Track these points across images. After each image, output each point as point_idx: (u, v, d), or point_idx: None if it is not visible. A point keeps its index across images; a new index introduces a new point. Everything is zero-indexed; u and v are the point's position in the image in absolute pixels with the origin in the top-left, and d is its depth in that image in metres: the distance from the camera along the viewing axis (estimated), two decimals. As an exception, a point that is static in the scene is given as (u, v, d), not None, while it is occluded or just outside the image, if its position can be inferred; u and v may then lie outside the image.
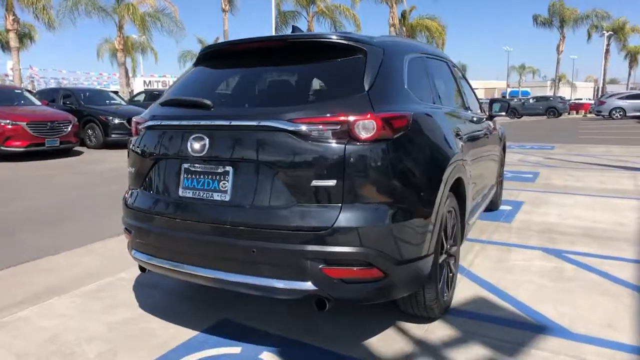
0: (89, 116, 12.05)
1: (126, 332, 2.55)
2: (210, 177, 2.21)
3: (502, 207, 5.28)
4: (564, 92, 58.03)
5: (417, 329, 2.52)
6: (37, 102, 11.36)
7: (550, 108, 32.96)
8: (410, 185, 2.16)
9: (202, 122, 2.22)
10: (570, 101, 41.30)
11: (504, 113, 4.51)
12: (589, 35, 42.25)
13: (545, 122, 26.50)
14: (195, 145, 2.19)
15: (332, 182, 1.98)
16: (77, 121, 10.96)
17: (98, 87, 23.63)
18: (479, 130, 3.71)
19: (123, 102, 14.27)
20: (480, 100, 4.51)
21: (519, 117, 32.69)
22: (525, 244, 3.98)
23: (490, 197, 4.46)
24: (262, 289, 2.13)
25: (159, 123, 2.41)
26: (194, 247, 2.26)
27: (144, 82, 35.68)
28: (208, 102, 2.25)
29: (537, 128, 21.39)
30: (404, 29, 30.56)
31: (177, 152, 2.29)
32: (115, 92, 16.11)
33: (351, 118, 1.99)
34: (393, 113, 2.11)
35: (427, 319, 2.58)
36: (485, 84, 73.18)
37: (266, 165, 2.07)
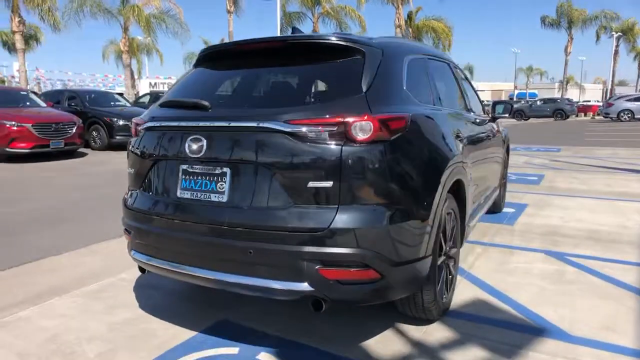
0: (94, 118, 12.13)
1: (126, 332, 2.57)
2: (207, 178, 2.22)
3: (505, 210, 5.25)
4: (572, 94, 57.68)
5: (415, 331, 2.52)
6: (43, 104, 11.45)
7: (558, 110, 32.74)
8: (408, 186, 2.16)
9: (200, 124, 2.24)
10: (578, 103, 41.05)
11: (507, 115, 4.51)
12: (598, 37, 41.89)
13: (552, 125, 26.34)
14: (193, 147, 2.21)
15: (328, 184, 1.99)
16: (82, 123, 11.04)
17: (103, 89, 23.73)
18: (481, 132, 3.70)
19: (128, 104, 14.34)
20: (488, 102, 4.50)
21: (526, 119, 32.54)
22: (528, 247, 3.96)
23: (493, 200, 4.44)
24: (259, 289, 2.14)
25: (157, 124, 2.43)
26: (192, 248, 2.27)
27: (150, 83, 35.95)
28: (206, 103, 2.27)
29: (544, 130, 21.27)
30: (410, 30, 30.52)
31: (175, 153, 2.31)
32: (120, 94, 16.23)
33: (348, 119, 2.00)
34: (390, 114, 2.11)
35: (426, 321, 2.58)
36: (492, 85, 72.92)
37: (263, 167, 2.08)
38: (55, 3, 20.93)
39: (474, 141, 3.34)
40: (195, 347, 2.40)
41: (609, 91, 46.15)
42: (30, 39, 29.24)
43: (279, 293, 2.10)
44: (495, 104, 4.44)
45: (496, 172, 4.43)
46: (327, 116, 2.02)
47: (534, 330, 2.53)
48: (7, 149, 9.56)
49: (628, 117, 26.90)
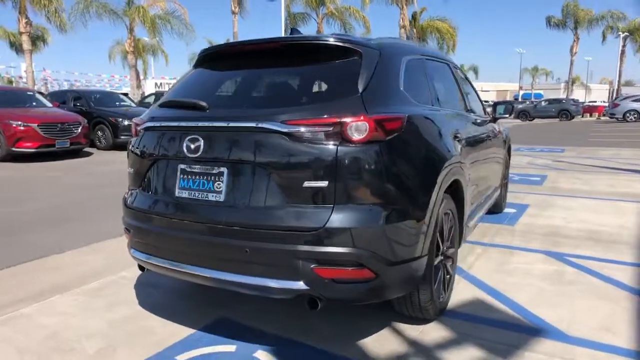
0: (99, 118, 12.22)
1: (126, 330, 2.60)
2: (205, 177, 2.24)
3: (506, 210, 5.25)
4: (579, 94, 57.32)
5: (412, 330, 2.53)
6: (48, 104, 11.54)
7: (563, 111, 32.59)
8: (403, 187, 2.17)
9: (197, 124, 2.26)
10: (584, 103, 40.78)
11: (507, 115, 4.51)
12: (604, 37, 41.60)
13: (557, 125, 26.22)
14: (191, 146, 2.23)
15: (324, 183, 2.01)
16: (87, 123, 11.12)
17: (108, 89, 23.82)
18: (480, 133, 3.70)
19: (133, 104, 14.43)
20: (493, 103, 4.50)
21: (531, 120, 32.41)
22: (528, 247, 3.96)
23: (494, 200, 4.44)
24: (256, 288, 2.16)
25: (156, 124, 2.46)
26: (190, 247, 2.30)
27: (155, 84, 36.12)
28: (203, 103, 2.29)
29: (548, 131, 21.17)
30: (415, 30, 30.47)
31: (173, 153, 2.34)
32: (125, 94, 16.31)
33: (343, 119, 2.01)
34: (386, 115, 2.12)
35: (422, 320, 2.59)
36: (497, 86, 72.63)
37: (259, 166, 2.10)
38: (61, 4, 21.11)
39: (473, 142, 3.35)
40: (193, 344, 2.42)
41: (615, 91, 45.86)
42: (38, 39, 29.44)
43: (276, 291, 2.12)
44: (496, 104, 4.44)
45: (497, 172, 4.43)
46: (323, 116, 2.03)
47: (531, 330, 2.53)
48: (14, 149, 9.66)
49: (634, 117, 26.74)
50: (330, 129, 2.01)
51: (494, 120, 4.44)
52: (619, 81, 45.97)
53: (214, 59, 2.77)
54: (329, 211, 2.00)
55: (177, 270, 2.36)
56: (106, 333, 2.55)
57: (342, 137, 2.01)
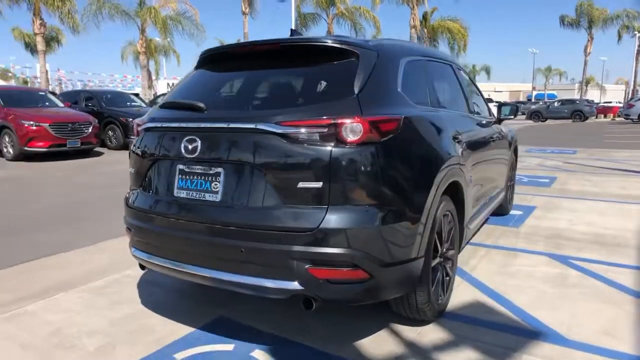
0: (110, 118, 12.39)
1: (127, 328, 2.63)
2: (202, 178, 2.27)
3: (512, 212, 5.20)
4: (593, 94, 56.50)
5: (410, 332, 2.53)
6: (60, 104, 11.74)
7: (576, 111, 32.12)
8: (398, 188, 2.17)
9: (195, 125, 2.29)
10: (599, 104, 40.16)
11: (512, 116, 4.47)
12: (620, 36, 40.96)
13: (570, 126, 25.88)
14: (189, 147, 2.26)
15: (318, 184, 2.02)
16: (98, 123, 11.28)
17: (119, 90, 24.06)
18: (483, 134, 3.69)
19: (144, 104, 14.59)
20: (498, 104, 4.47)
21: (543, 121, 32.02)
22: (532, 250, 3.92)
23: (498, 202, 4.41)
24: (252, 288, 2.18)
25: (155, 125, 2.49)
26: (188, 246, 2.32)
27: (167, 84, 36.47)
28: (201, 104, 2.32)
29: (561, 132, 20.91)
30: (425, 30, 30.31)
31: (172, 154, 2.37)
32: (136, 95, 16.49)
33: (338, 121, 2.02)
34: (381, 116, 2.13)
35: (420, 322, 2.58)
36: (510, 86, 71.93)
37: (255, 167, 2.12)
38: (74, 5, 21.35)
39: (475, 143, 3.33)
40: (192, 343, 2.45)
41: (631, 92, 45.13)
42: (52, 40, 29.85)
43: (271, 291, 2.13)
44: (500, 105, 4.41)
45: (501, 174, 4.39)
46: (318, 118, 2.05)
47: (530, 333, 2.51)
48: (26, 148, 9.84)
49: (650, 118, 26.27)
50: (325, 130, 2.02)
51: (499, 121, 4.41)
52: (634, 81, 45.20)
53: (214, 60, 2.79)
54: (324, 212, 2.01)
55: (177, 269, 2.38)
56: (107, 330, 2.59)
57: (336, 138, 2.02)
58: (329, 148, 2.01)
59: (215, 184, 2.22)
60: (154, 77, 34.61)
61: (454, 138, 2.79)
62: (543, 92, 62.75)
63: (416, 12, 29.16)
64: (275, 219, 2.05)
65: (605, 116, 37.33)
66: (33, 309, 2.87)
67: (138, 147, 2.58)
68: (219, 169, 2.21)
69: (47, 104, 11.45)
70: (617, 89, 68.75)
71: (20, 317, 2.76)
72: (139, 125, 2.62)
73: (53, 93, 13.81)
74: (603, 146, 13.32)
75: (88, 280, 3.34)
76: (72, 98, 13.53)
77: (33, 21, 20.67)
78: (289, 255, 2.03)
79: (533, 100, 50.62)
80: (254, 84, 2.67)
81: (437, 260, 2.57)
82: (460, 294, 2.99)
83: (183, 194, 2.33)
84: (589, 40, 41.29)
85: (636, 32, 40.94)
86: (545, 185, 6.97)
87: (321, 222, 2.00)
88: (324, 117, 2.03)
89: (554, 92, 62.05)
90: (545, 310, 2.78)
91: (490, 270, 3.46)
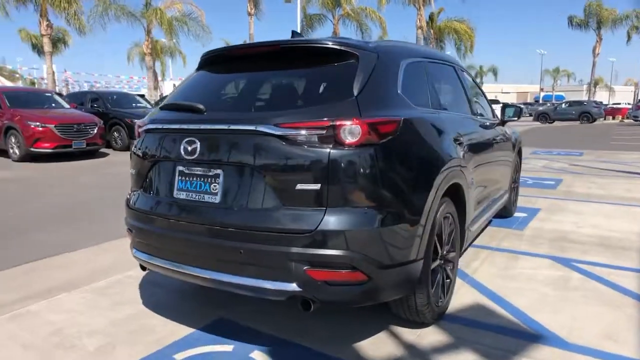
0: (115, 119, 12.46)
1: (127, 328, 2.65)
2: (202, 179, 2.28)
3: (516, 214, 5.17)
4: (602, 96, 56.05)
5: (410, 334, 2.52)
6: (66, 105, 11.81)
7: (584, 113, 31.88)
8: (397, 190, 2.17)
9: (194, 126, 2.30)
10: (607, 106, 39.83)
11: (516, 118, 4.45)
12: (629, 37, 40.50)
13: (578, 128, 25.71)
14: (188, 148, 2.27)
15: (316, 186, 2.02)
16: (104, 124, 11.35)
17: (125, 91, 24.18)
18: (486, 136, 3.67)
19: (149, 106, 14.66)
20: (502, 105, 4.44)
21: (551, 122, 31.80)
22: (535, 252, 3.90)
23: (502, 204, 4.38)
24: (251, 289, 2.18)
25: (156, 127, 2.51)
26: (188, 248, 2.34)
27: (173, 85, 36.55)
28: (201, 106, 2.33)
29: (568, 133, 20.78)
30: (432, 31, 30.22)
31: (172, 155, 2.38)
32: (142, 96, 16.55)
33: (337, 123, 2.02)
34: (380, 118, 2.13)
35: (420, 324, 2.57)
36: (518, 87, 71.55)
37: (254, 169, 2.12)
38: (81, 7, 21.49)
39: (478, 144, 3.32)
40: (191, 343, 2.46)
41: None
42: (58, 42, 30.03)
43: (270, 293, 2.14)
44: (504, 107, 4.39)
45: (505, 176, 4.37)
46: (317, 119, 2.05)
47: (530, 336, 2.50)
48: (32, 149, 9.92)
49: (659, 120, 26.03)
50: (324, 132, 2.03)
51: (503, 123, 4.38)
52: (643, 82, 44.80)
53: (215, 62, 2.81)
54: (322, 214, 2.02)
55: (177, 270, 2.40)
56: (108, 331, 2.61)
57: (335, 140, 2.02)
58: (327, 150, 2.02)
59: (215, 186, 2.23)
60: (160, 78, 34.75)
61: (455, 140, 2.78)
62: (551, 94, 62.32)
63: (423, 13, 29.07)
64: (274, 220, 2.06)
65: (613, 118, 37.04)
66: (36, 308, 2.89)
67: (139, 149, 2.60)
68: (219, 171, 2.22)
69: (53, 105, 11.53)
70: (626, 90, 68.18)
71: (22, 317, 2.78)
72: (139, 126, 2.63)
73: (59, 94, 13.91)
74: (610, 148, 13.21)
75: (91, 280, 3.36)
76: (78, 99, 13.61)
77: (40, 22, 20.83)
78: (288, 256, 2.03)
79: (541, 101, 50.27)
80: (254, 86, 2.68)
81: (437, 262, 2.56)
82: (461, 297, 2.98)
83: (183, 196, 2.34)
84: (597, 41, 40.95)
85: (646, 33, 40.54)
86: (550, 188, 6.92)
87: (319, 223, 2.00)
88: (323, 119, 2.04)
89: (562, 94, 61.61)
90: (546, 313, 2.76)
91: (492, 272, 3.45)
